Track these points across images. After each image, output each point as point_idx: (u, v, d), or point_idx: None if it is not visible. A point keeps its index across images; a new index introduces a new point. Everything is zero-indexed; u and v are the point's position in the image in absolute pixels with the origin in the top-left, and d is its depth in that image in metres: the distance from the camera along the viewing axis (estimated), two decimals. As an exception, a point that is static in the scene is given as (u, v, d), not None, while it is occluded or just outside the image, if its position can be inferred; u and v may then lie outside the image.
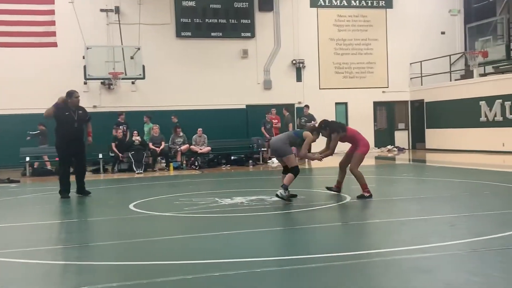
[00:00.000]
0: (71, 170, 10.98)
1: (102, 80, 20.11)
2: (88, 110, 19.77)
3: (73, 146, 10.44)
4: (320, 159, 9.27)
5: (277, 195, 8.62)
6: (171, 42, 21.59)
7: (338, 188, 9.55)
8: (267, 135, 18.50)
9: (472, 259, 5.03)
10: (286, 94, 22.63)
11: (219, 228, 7.12)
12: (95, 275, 4.94)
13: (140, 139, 17.03)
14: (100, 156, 16.88)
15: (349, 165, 9.21)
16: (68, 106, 10.52)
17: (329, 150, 9.24)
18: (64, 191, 10.41)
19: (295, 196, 9.17)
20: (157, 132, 17.58)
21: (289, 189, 8.74)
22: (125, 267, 5.19)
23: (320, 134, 9.29)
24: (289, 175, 8.76)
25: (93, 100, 20.53)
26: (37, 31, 20.02)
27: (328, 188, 9.73)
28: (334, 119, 9.69)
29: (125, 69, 18.90)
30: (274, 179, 10.19)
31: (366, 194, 9.01)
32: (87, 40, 19.20)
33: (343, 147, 9.44)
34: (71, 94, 10.64)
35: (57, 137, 10.62)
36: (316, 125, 10.97)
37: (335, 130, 9.17)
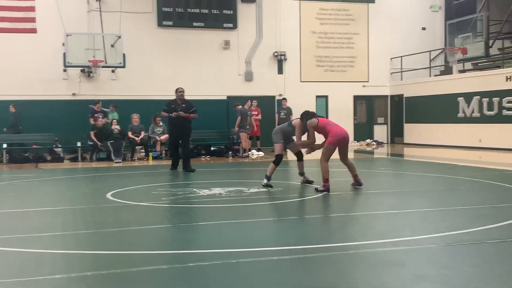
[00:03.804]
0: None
1: (81, 68, 19.89)
2: (67, 98, 20.12)
3: (178, 132, 13.33)
4: (312, 147, 9.62)
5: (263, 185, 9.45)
6: (152, 31, 21.45)
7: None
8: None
9: (444, 253, 5.11)
10: (267, 86, 22.64)
11: (196, 218, 7.14)
12: (70, 263, 4.93)
13: (119, 128, 16.94)
14: (79, 144, 16.76)
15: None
16: (175, 100, 13.36)
17: (309, 139, 9.56)
18: (173, 167, 13.38)
19: (270, 186, 9.57)
20: (137, 122, 17.48)
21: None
22: (99, 256, 5.19)
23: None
24: (270, 165, 9.62)
25: (72, 88, 20.36)
26: (16, 16, 19.71)
27: (305, 182, 10.05)
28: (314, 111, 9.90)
29: (105, 57, 18.71)
30: (253, 170, 10.23)
31: (320, 189, 8.96)
32: (67, 27, 18.97)
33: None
34: (176, 90, 13.47)
35: (168, 125, 14.26)
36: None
37: (306, 118, 9.43)
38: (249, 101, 19.08)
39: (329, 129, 9.16)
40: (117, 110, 18.59)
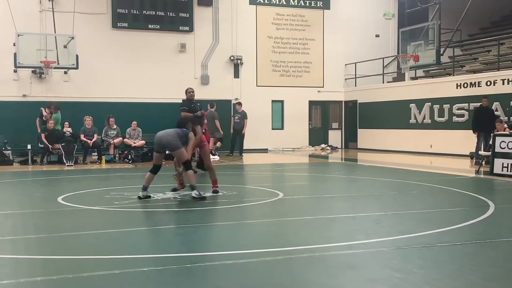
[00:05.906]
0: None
1: (33, 69, 19.45)
2: (17, 99, 19.62)
3: None
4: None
5: (194, 198, 8.63)
6: (107, 33, 21.14)
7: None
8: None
9: (395, 256, 5.20)
10: (223, 90, 22.62)
11: (149, 222, 7.05)
12: (19, 268, 4.80)
13: (71, 131, 16.60)
14: (29, 147, 16.35)
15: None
16: (190, 100, 13.29)
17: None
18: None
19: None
20: (90, 124, 17.18)
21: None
22: (51, 261, 5.06)
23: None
24: (189, 173, 8.88)
25: (23, 89, 19.87)
26: (-36, 14, 19.14)
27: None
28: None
29: (58, 58, 18.33)
30: (208, 174, 10.24)
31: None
32: (18, 27, 18.51)
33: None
34: (187, 91, 13.41)
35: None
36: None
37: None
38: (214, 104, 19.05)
39: None
40: (60, 111, 17.81)
